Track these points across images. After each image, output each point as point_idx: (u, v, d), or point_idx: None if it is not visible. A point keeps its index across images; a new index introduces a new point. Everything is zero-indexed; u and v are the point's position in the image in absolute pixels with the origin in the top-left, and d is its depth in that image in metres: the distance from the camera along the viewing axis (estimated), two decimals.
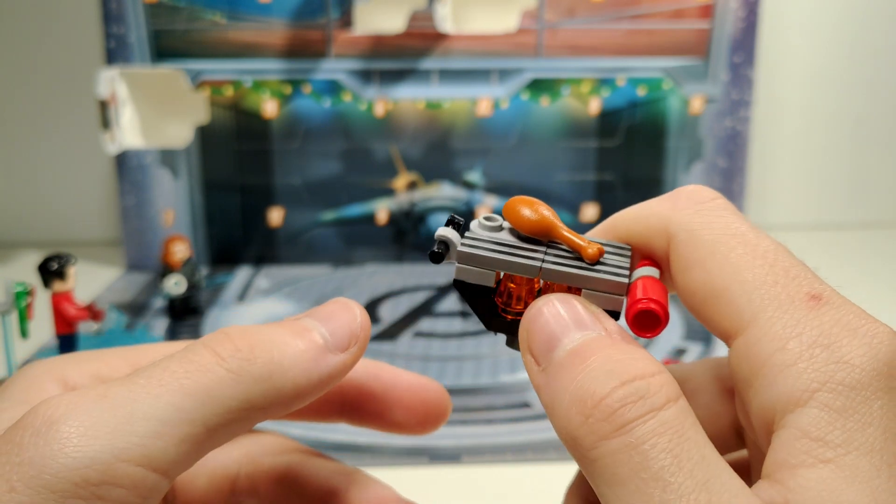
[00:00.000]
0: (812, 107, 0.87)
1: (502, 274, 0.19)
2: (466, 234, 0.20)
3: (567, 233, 0.19)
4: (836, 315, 0.16)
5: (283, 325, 0.19)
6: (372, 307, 0.66)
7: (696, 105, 0.74)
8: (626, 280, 0.19)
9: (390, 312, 0.65)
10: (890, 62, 0.87)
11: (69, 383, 0.21)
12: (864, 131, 0.88)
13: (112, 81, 0.68)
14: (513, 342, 0.20)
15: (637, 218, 0.20)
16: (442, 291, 0.68)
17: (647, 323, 0.18)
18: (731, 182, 0.76)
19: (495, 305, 0.20)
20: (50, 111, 0.84)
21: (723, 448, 0.20)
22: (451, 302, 0.66)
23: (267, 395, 0.18)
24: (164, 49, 0.72)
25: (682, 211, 0.19)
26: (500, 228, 0.20)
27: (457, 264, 0.19)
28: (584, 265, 0.19)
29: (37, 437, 0.16)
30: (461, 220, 0.20)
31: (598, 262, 0.19)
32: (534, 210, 0.20)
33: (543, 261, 0.19)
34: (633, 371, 0.16)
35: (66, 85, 0.82)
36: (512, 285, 0.19)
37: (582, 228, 0.79)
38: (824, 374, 0.15)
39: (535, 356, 0.18)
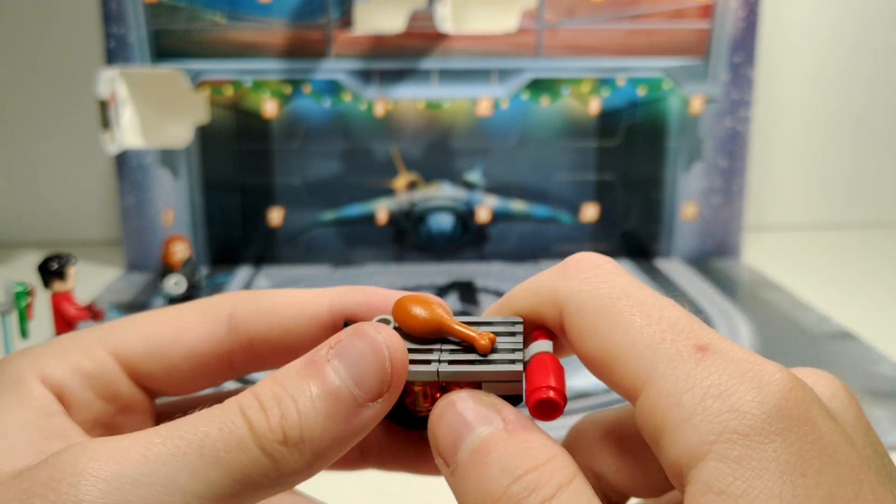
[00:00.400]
0: (812, 107, 0.87)
1: None
2: None
3: (458, 326, 0.20)
4: (723, 363, 0.16)
5: (306, 375, 0.18)
6: None
7: (696, 105, 0.74)
8: (520, 367, 0.19)
9: None
10: (890, 62, 0.87)
11: (51, 380, 0.20)
12: (864, 131, 0.88)
13: (112, 81, 0.68)
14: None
15: (528, 293, 0.21)
16: (442, 291, 0.68)
17: (546, 410, 0.19)
18: (731, 182, 0.76)
19: (405, 407, 0.20)
20: (50, 111, 0.84)
21: (661, 490, 0.21)
22: (452, 302, 0.66)
23: (297, 471, 0.18)
24: (164, 49, 0.72)
25: (569, 282, 0.19)
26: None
27: None
28: (478, 357, 0.20)
29: (76, 488, 0.16)
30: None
31: (492, 351, 0.20)
32: (423, 309, 0.20)
33: (439, 362, 0.20)
34: (526, 463, 0.17)
35: (66, 85, 0.82)
36: (416, 387, 0.20)
37: (582, 228, 0.79)
38: (719, 424, 0.16)
39: (443, 459, 0.18)
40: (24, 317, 0.45)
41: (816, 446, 0.15)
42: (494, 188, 0.76)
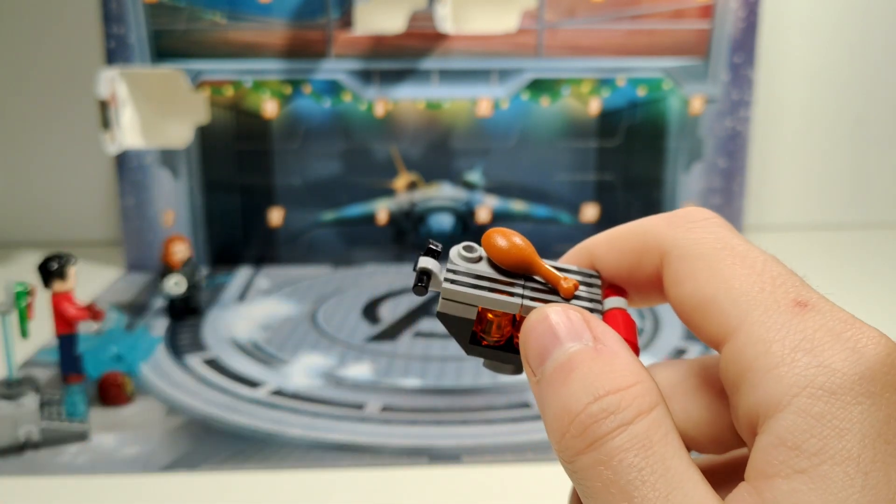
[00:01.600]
0: (812, 107, 0.87)
1: None
2: (448, 266, 0.20)
3: (545, 266, 0.20)
4: (821, 320, 0.16)
5: None
6: (372, 307, 0.66)
7: (696, 105, 0.74)
8: (600, 317, 0.20)
9: (390, 312, 0.65)
10: (890, 62, 0.87)
11: None
12: (864, 131, 0.88)
13: (112, 81, 0.68)
14: (489, 365, 0.21)
15: (631, 236, 0.21)
16: None
17: None
18: (731, 182, 0.76)
19: (475, 333, 0.21)
20: (50, 111, 0.84)
21: (726, 446, 0.20)
22: None
23: None
24: (164, 49, 0.72)
25: (675, 229, 0.20)
26: (479, 259, 0.21)
27: (441, 299, 0.20)
28: (560, 300, 0.20)
29: None
30: (438, 247, 0.21)
31: (574, 297, 0.20)
32: (514, 245, 0.20)
33: (523, 297, 0.20)
34: (609, 385, 0.17)
35: (66, 85, 0.82)
36: (491, 316, 0.20)
37: (582, 228, 0.79)
38: (805, 378, 0.15)
39: (530, 366, 0.19)
40: (24, 317, 0.45)
41: None
42: (494, 188, 0.76)
